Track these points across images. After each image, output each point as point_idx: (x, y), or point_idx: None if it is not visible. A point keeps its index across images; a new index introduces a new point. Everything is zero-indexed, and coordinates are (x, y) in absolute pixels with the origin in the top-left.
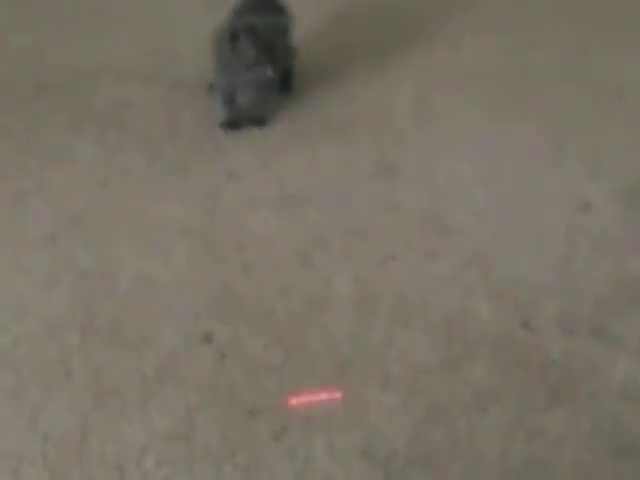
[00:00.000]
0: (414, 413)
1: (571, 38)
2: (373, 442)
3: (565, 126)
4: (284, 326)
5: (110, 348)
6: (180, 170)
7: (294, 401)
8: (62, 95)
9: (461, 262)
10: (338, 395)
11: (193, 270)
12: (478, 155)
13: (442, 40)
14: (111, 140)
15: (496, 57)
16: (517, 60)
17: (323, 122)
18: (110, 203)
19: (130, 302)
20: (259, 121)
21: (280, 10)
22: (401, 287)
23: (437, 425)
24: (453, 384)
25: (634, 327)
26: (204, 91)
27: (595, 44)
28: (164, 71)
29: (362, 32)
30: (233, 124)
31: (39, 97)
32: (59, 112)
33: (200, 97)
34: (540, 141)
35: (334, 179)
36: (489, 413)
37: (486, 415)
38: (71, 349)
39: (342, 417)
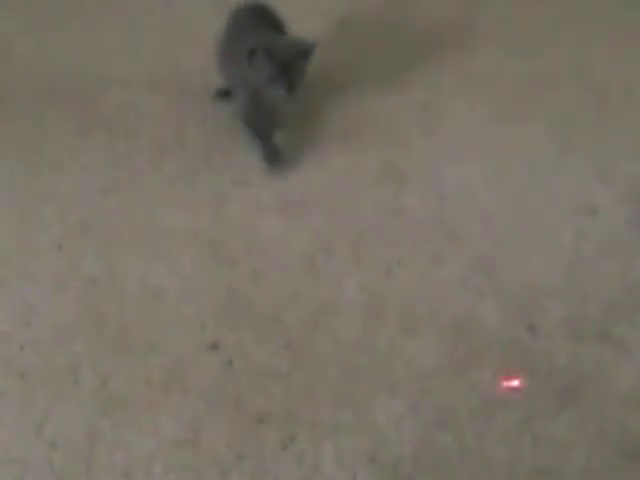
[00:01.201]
0: (422, 419)
1: (575, 41)
2: (380, 448)
3: (572, 130)
4: (291, 332)
5: (117, 355)
6: (187, 177)
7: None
8: (69, 102)
9: (468, 267)
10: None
11: (200, 277)
12: (485, 160)
13: (447, 45)
14: (118, 147)
15: (502, 62)
16: (523, 65)
17: (329, 128)
18: (117, 210)
19: (137, 309)
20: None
21: (279, 25)
22: (408, 292)
23: (445, 431)
24: (460, 389)
25: None
26: (210, 97)
27: (599, 47)
28: (170, 77)
29: (366, 37)
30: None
31: (46, 104)
32: (66, 119)
33: (207, 103)
34: (547, 145)
35: (341, 184)
36: (496, 419)
37: (493, 421)
38: (78, 357)
39: (350, 423)
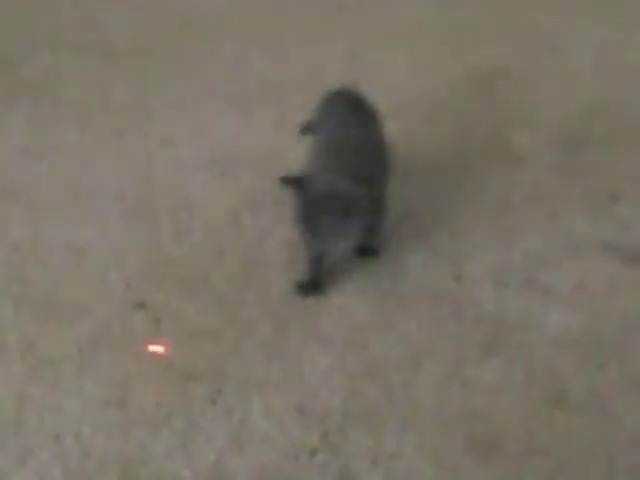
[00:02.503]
0: (350, 371)
1: None
2: (309, 401)
3: (500, 79)
4: (219, 289)
5: (44, 319)
6: (113, 138)
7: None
8: None
9: (393, 218)
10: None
11: (126, 237)
12: (412, 110)
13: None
14: (44, 110)
15: (431, 12)
16: (452, 14)
17: (258, 85)
18: (43, 174)
19: (63, 272)
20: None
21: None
22: None
23: (373, 381)
24: (388, 340)
25: (566, 277)
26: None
27: None
28: (97, 40)
29: None
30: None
31: None
32: None
33: (133, 65)
34: (474, 94)
35: (268, 141)
36: (424, 367)
37: (421, 369)
38: (5, 321)
39: (278, 377)
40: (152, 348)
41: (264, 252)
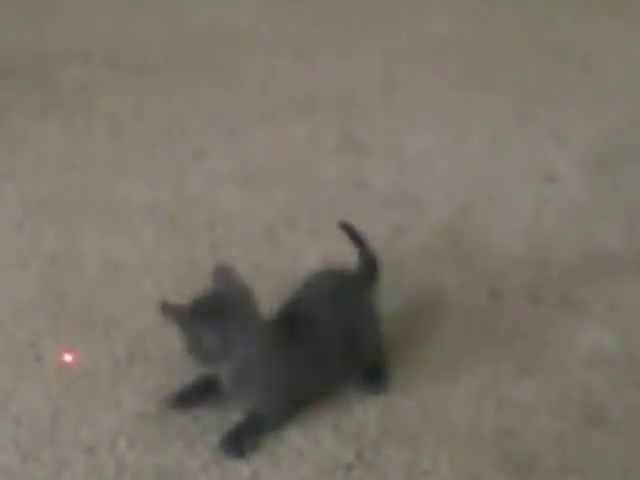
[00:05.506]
0: None
1: (537, 7)
2: (344, 417)
3: (531, 96)
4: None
5: (80, 331)
6: (146, 150)
7: None
8: (28, 80)
9: (429, 235)
10: None
11: (161, 250)
12: (445, 128)
13: (408, 11)
14: (78, 124)
15: (462, 28)
16: (483, 30)
17: (289, 99)
18: (78, 187)
19: (99, 285)
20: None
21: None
22: None
23: (408, 397)
24: (422, 356)
25: (601, 295)
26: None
27: (561, 13)
28: (129, 53)
29: (323, 9)
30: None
31: (5, 82)
32: (25, 97)
33: (164, 77)
34: (507, 112)
35: (301, 155)
36: (459, 384)
37: (456, 386)
38: (41, 333)
39: None
40: None
41: (298, 269)
